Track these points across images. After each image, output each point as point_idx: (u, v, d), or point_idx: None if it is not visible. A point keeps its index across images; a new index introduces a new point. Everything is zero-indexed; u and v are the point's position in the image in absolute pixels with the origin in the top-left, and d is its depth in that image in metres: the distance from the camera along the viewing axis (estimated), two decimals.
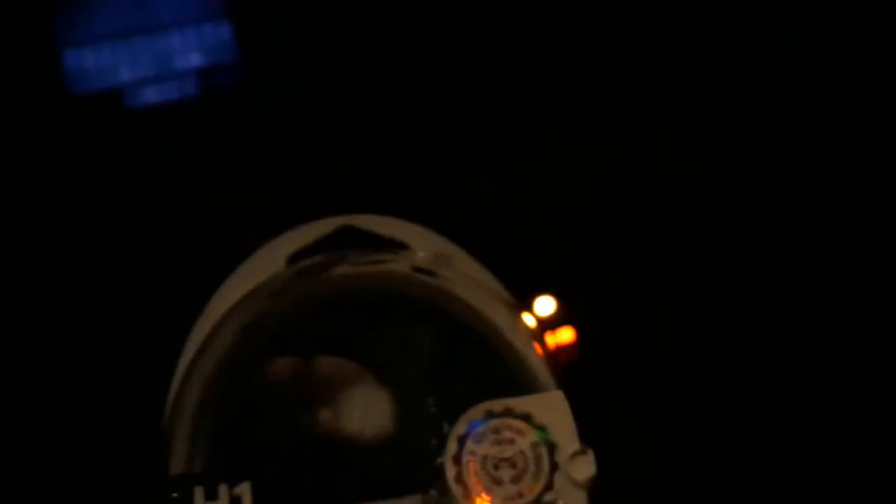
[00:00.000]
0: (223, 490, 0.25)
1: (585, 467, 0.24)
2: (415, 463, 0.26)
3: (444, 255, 0.29)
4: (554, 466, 0.24)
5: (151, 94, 0.58)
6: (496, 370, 0.29)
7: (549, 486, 0.24)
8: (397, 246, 0.30)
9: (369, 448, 0.27)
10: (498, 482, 0.24)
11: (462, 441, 0.25)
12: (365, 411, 0.27)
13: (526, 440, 0.24)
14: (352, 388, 0.27)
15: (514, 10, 0.59)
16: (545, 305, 0.56)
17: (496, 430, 0.25)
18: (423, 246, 0.29)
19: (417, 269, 0.29)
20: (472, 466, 0.24)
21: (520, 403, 0.25)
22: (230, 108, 0.58)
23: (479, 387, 0.27)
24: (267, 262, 0.29)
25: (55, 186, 0.58)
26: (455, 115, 0.57)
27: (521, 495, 0.24)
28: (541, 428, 0.25)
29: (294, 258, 0.29)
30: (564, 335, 0.57)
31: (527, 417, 0.25)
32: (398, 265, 0.29)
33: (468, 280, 0.29)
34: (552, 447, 0.25)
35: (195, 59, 0.58)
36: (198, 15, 0.59)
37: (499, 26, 0.59)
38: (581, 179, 0.57)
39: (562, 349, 0.57)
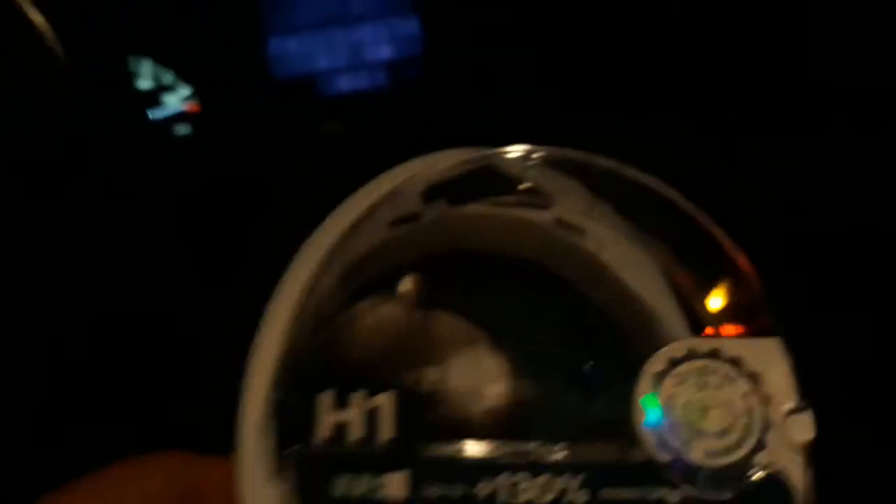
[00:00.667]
0: (359, 398, 0.22)
1: (804, 428, 0.20)
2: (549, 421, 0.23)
3: (596, 212, 0.24)
4: (767, 423, 0.20)
5: (344, 83, 0.64)
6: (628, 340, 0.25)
7: (760, 446, 0.20)
8: (542, 196, 0.25)
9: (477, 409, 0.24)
10: (700, 433, 0.20)
11: (659, 380, 0.21)
12: (476, 371, 0.24)
13: (736, 389, 0.20)
14: (462, 342, 0.24)
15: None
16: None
17: (701, 373, 0.21)
18: (572, 200, 0.25)
19: (562, 223, 0.25)
20: (672, 408, 0.20)
21: (730, 345, 0.21)
22: (416, 100, 0.63)
23: (610, 357, 0.24)
24: (397, 191, 0.24)
25: (255, 157, 0.64)
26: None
27: (727, 451, 0.20)
28: (752, 376, 0.21)
29: (430, 190, 0.25)
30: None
31: (736, 363, 0.21)
32: (541, 215, 0.25)
33: (621, 247, 0.24)
34: (767, 400, 0.20)
35: (385, 52, 0.63)
36: (388, 9, 0.63)
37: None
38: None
39: None
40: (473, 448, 0.22)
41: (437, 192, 0.24)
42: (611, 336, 0.25)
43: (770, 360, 0.20)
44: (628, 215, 0.24)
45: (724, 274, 0.22)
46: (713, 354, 0.21)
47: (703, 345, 0.21)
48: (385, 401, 0.22)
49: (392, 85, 0.63)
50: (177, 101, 0.64)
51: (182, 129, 0.64)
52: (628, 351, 0.23)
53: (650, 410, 0.20)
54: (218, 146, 0.64)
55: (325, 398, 0.22)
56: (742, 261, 0.22)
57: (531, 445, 0.21)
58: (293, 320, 0.23)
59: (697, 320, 0.23)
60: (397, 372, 0.23)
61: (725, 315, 0.22)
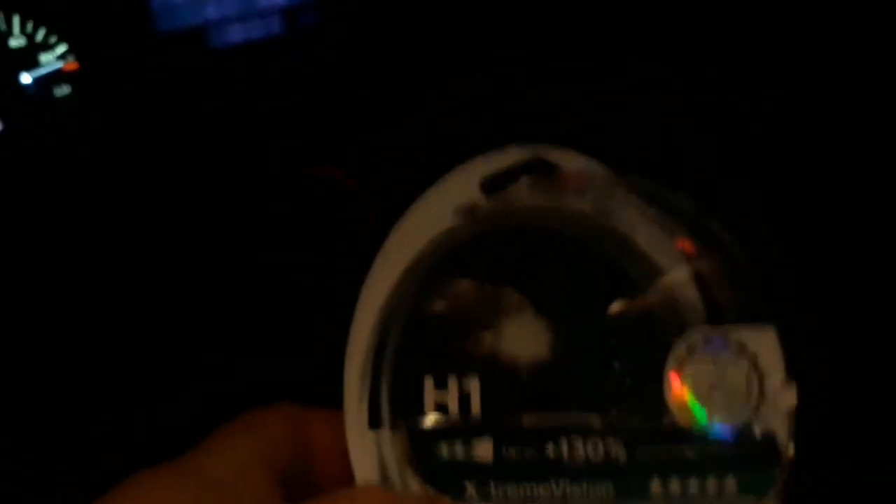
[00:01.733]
0: (453, 381, 0.28)
1: (790, 398, 0.26)
2: (589, 387, 0.29)
3: (625, 199, 0.30)
4: (762, 394, 0.26)
5: (235, 34, 0.59)
6: (661, 317, 0.30)
7: (756, 412, 0.26)
8: (583, 184, 0.31)
9: (537, 370, 0.29)
10: (712, 401, 0.27)
11: (683, 359, 0.27)
12: (535, 341, 0.29)
13: (740, 368, 0.26)
14: (520, 317, 0.29)
15: None
16: None
17: (713, 354, 0.27)
18: (605, 187, 0.30)
19: (599, 210, 0.30)
20: (691, 382, 0.27)
21: (736, 332, 0.27)
22: (314, 48, 0.59)
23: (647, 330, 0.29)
24: (460, 185, 0.30)
25: (139, 122, 0.59)
26: None
27: (732, 416, 0.26)
28: (752, 357, 0.26)
29: (486, 184, 0.30)
30: None
31: (740, 346, 0.26)
32: (580, 203, 0.30)
33: (647, 225, 0.30)
34: (762, 376, 0.26)
35: None
36: None
37: None
38: None
39: None
40: (540, 419, 0.28)
41: (493, 183, 0.30)
42: (640, 313, 0.29)
43: (767, 343, 0.26)
44: (653, 209, 0.30)
45: (735, 268, 0.28)
46: (723, 339, 0.27)
47: (714, 331, 0.27)
48: (472, 385, 0.28)
49: (287, 34, 0.59)
50: (53, 59, 0.59)
51: (61, 90, 0.59)
52: (655, 329, 0.29)
53: (675, 382, 0.27)
54: (100, 107, 0.59)
55: (429, 382, 0.28)
56: (750, 258, 0.28)
57: (581, 414, 0.28)
58: (387, 295, 0.29)
59: (712, 306, 0.28)
60: (477, 353, 0.29)
61: (734, 303, 0.27)
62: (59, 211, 0.58)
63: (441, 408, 0.28)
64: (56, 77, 0.58)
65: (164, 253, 0.56)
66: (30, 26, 0.58)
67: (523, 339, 0.29)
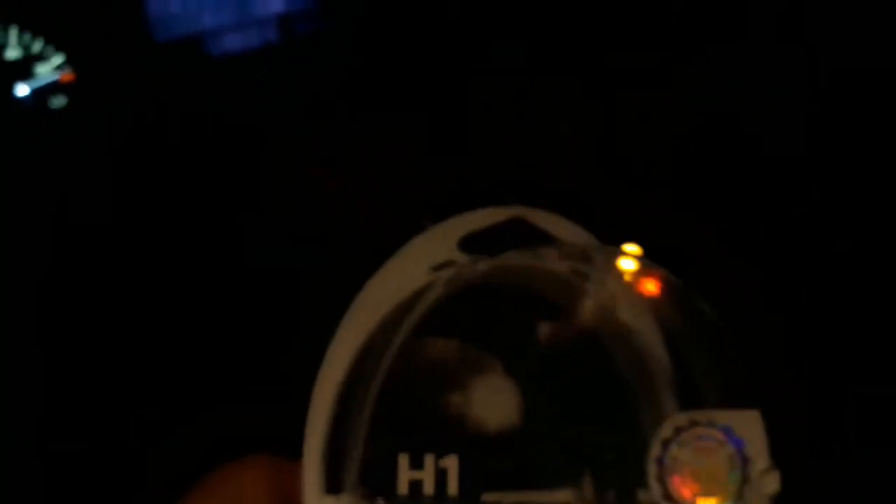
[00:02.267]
0: (429, 460, 0.27)
1: (773, 484, 0.26)
2: (560, 459, 0.28)
3: (607, 260, 0.29)
4: (745, 479, 0.26)
5: (232, 42, 0.59)
6: (637, 380, 0.30)
7: (739, 496, 0.26)
8: (560, 245, 0.30)
9: (512, 441, 0.29)
10: (695, 486, 0.26)
11: (666, 444, 0.26)
12: (504, 404, 0.28)
13: (724, 451, 0.26)
14: (491, 379, 0.29)
15: None
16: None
17: (699, 437, 0.26)
18: (585, 252, 0.30)
19: (574, 272, 0.29)
20: (674, 468, 0.26)
21: (722, 416, 0.26)
22: (311, 56, 0.58)
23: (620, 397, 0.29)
24: (438, 242, 0.29)
25: (139, 129, 0.59)
26: None
27: (714, 500, 0.26)
28: (738, 442, 0.26)
29: (464, 242, 0.29)
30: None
31: (727, 430, 0.26)
32: (559, 265, 0.29)
33: (627, 292, 0.29)
34: (746, 461, 0.26)
35: (275, 6, 0.58)
36: None
37: None
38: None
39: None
40: (519, 496, 0.27)
41: (472, 242, 0.29)
42: (613, 379, 0.29)
43: (751, 428, 0.26)
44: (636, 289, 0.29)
45: (720, 355, 0.27)
46: (709, 424, 0.26)
47: (702, 416, 0.26)
48: (450, 463, 0.27)
49: (284, 42, 0.58)
50: (49, 70, 0.58)
51: (57, 101, 0.58)
52: (637, 411, 0.29)
53: (657, 468, 0.26)
54: (97, 118, 0.58)
55: (403, 459, 0.27)
56: (734, 344, 0.27)
57: (551, 492, 0.27)
58: (352, 356, 0.28)
59: (697, 392, 0.28)
60: (447, 421, 0.28)
61: (719, 390, 0.27)
62: (55, 221, 0.57)
63: (413, 484, 0.27)
64: (52, 88, 0.58)
65: (153, 270, 0.56)
66: (27, 38, 0.58)
67: (494, 404, 0.28)
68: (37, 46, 0.58)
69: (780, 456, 0.26)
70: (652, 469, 0.26)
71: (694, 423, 0.26)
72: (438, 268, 0.29)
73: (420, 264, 0.29)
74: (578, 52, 0.57)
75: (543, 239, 0.29)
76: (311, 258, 0.55)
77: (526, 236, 0.29)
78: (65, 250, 0.57)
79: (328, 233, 0.56)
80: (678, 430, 0.26)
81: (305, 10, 0.58)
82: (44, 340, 0.55)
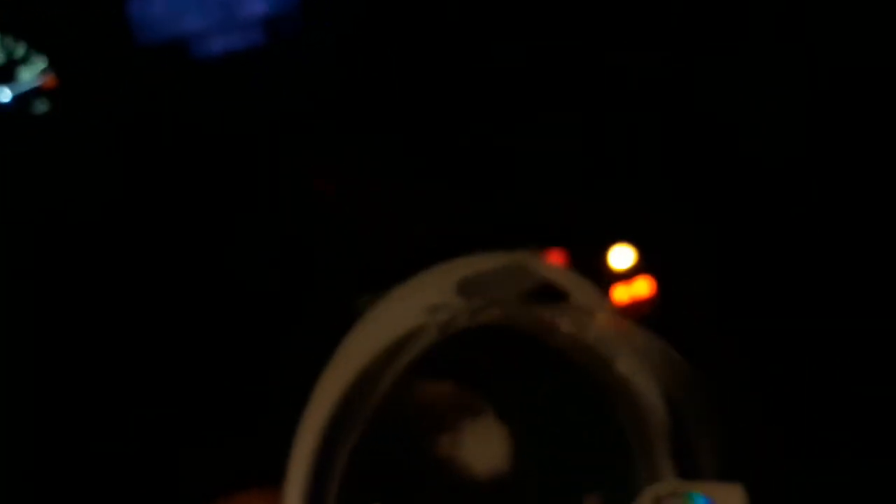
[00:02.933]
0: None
1: None
2: None
3: (605, 316, 0.28)
4: None
5: (216, 44, 0.58)
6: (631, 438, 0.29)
7: None
8: (560, 294, 0.29)
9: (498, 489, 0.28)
10: None
11: None
12: (494, 450, 0.28)
13: None
14: (482, 425, 0.28)
15: None
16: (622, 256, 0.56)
17: None
18: (584, 300, 0.29)
19: (576, 324, 0.29)
20: None
21: (704, 488, 0.26)
22: (295, 58, 0.57)
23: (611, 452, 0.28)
24: (436, 284, 0.28)
25: (122, 135, 0.58)
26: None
27: None
28: None
29: (462, 286, 0.29)
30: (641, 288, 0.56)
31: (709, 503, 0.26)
32: (557, 315, 0.29)
33: (621, 343, 0.28)
34: None
35: (259, 8, 0.57)
36: None
37: None
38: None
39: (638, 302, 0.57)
40: None
41: (469, 286, 0.28)
42: (608, 429, 0.28)
43: (733, 502, 0.25)
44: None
45: (710, 421, 0.27)
46: (690, 495, 0.26)
47: (682, 487, 0.26)
48: None
49: (269, 44, 0.57)
50: (32, 75, 0.58)
51: (39, 106, 0.58)
52: (621, 448, 0.28)
53: None
54: (79, 123, 0.58)
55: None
56: (722, 409, 0.27)
57: None
58: (339, 394, 0.26)
59: (692, 452, 0.27)
60: (435, 466, 0.27)
61: (710, 453, 0.26)
62: (39, 226, 0.57)
63: None
64: (35, 93, 0.58)
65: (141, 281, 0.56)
66: (9, 42, 0.57)
67: (484, 448, 0.27)
68: (19, 51, 0.57)
69: None
70: None
71: (674, 494, 0.26)
72: (433, 310, 0.28)
73: (415, 304, 0.28)
74: (575, 58, 0.56)
75: (544, 287, 0.28)
76: (305, 280, 0.54)
77: (527, 284, 0.29)
78: (48, 256, 0.56)
79: (317, 255, 0.55)
80: (657, 501, 0.26)
81: (289, 13, 0.57)
82: (20, 359, 0.55)
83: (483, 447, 0.27)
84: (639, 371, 0.28)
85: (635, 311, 0.58)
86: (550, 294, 0.28)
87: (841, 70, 0.54)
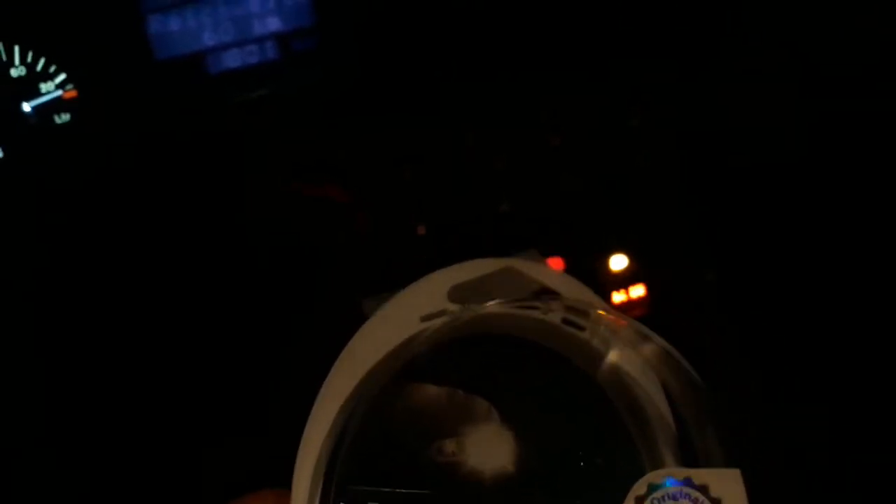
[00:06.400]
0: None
1: None
2: None
3: (595, 310, 0.29)
4: None
5: (232, 60, 0.60)
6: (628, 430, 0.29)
7: None
8: (551, 295, 0.30)
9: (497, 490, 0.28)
10: None
11: (640, 501, 0.26)
12: (498, 453, 0.28)
13: None
14: (485, 426, 0.28)
15: None
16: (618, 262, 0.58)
17: (674, 497, 0.26)
18: (578, 307, 0.29)
19: (567, 322, 0.29)
20: None
21: (699, 474, 0.26)
22: (309, 73, 0.59)
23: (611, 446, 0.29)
24: (429, 293, 0.29)
25: (138, 148, 0.60)
26: None
27: None
28: (716, 500, 0.26)
29: (454, 292, 0.29)
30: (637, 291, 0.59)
31: (704, 489, 0.26)
32: (550, 315, 0.29)
33: (620, 341, 0.29)
34: None
35: (273, 24, 0.59)
36: None
37: None
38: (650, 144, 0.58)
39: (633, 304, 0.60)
40: None
41: (461, 292, 0.29)
42: (610, 425, 0.29)
43: (730, 487, 0.26)
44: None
45: (706, 415, 0.27)
46: (687, 482, 0.26)
47: (678, 473, 0.26)
48: None
49: (283, 59, 0.60)
50: (53, 87, 0.60)
51: (61, 118, 0.60)
52: (623, 444, 0.28)
53: None
54: (100, 134, 0.60)
55: None
56: (715, 407, 0.27)
57: None
58: (340, 405, 0.28)
59: (682, 423, 0.28)
60: (437, 468, 0.27)
61: (700, 446, 0.27)
62: (59, 236, 0.58)
63: None
64: (56, 105, 0.59)
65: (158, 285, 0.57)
66: (30, 56, 0.59)
67: (487, 451, 0.28)
68: (40, 65, 0.59)
69: None
70: None
71: (671, 483, 0.26)
72: (429, 318, 0.29)
73: (410, 314, 0.29)
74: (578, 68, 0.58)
75: (539, 291, 0.29)
76: (312, 284, 0.56)
77: (521, 289, 0.29)
78: (70, 266, 0.58)
79: (323, 269, 0.57)
80: (651, 488, 0.26)
81: (303, 28, 0.59)
82: (35, 361, 0.56)
83: (487, 450, 0.27)
84: (639, 370, 0.28)
85: (633, 311, 0.60)
86: (545, 297, 0.29)
87: (834, 76, 0.56)
